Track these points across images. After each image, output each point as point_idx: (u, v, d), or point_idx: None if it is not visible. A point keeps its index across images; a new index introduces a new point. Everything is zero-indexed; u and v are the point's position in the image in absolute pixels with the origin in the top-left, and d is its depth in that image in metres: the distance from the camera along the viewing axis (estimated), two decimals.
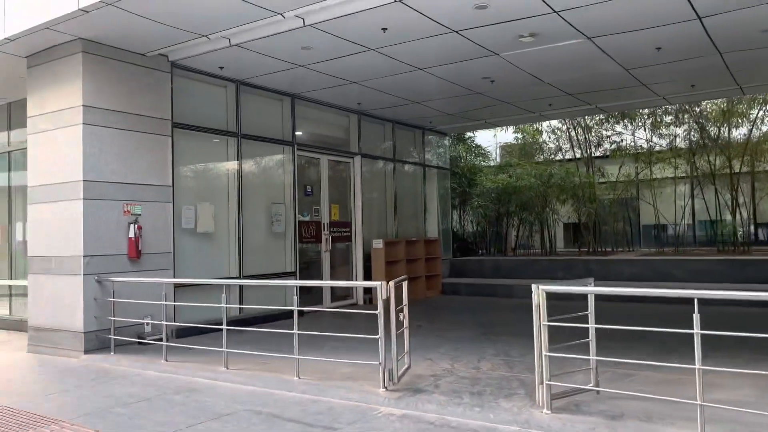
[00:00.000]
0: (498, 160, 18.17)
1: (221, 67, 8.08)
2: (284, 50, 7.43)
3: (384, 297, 4.74)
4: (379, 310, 4.76)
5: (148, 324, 7.16)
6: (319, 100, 10.05)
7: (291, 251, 9.57)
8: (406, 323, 5.21)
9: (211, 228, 8.31)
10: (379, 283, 4.74)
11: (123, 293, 6.87)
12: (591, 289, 4.46)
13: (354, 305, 10.81)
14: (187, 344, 6.90)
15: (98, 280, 6.81)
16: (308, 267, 10.35)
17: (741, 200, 13.61)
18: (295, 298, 5.25)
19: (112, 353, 6.63)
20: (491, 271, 12.94)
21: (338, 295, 10.74)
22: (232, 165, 8.74)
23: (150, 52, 7.36)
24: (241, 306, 8.45)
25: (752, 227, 14.69)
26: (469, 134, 16.46)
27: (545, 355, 4.13)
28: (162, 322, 6.26)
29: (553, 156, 16.18)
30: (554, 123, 15.83)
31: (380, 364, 4.74)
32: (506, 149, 18.03)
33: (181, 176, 7.96)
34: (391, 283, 4.77)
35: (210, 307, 6.73)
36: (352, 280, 10.99)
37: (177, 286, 7.50)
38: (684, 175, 15.17)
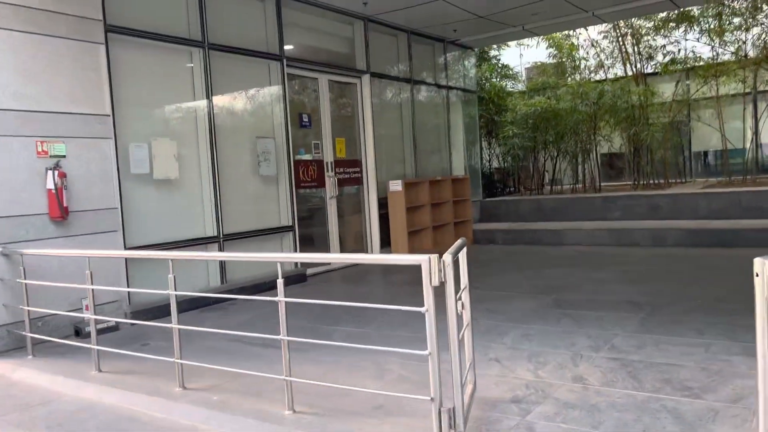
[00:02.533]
0: (524, 83, 15.70)
1: None
2: None
3: (436, 283, 2.61)
4: (428, 307, 2.64)
5: (87, 310, 5.13)
6: (313, 0, 7.67)
7: (286, 200, 7.43)
8: (467, 317, 3.11)
9: (174, 173, 6.15)
10: (426, 257, 2.60)
11: (45, 270, 4.82)
12: None
13: None
14: (142, 334, 4.93)
15: (4, 253, 4.73)
16: (311, 217, 8.25)
17: None
18: (280, 282, 3.14)
19: (30, 356, 4.62)
20: (530, 214, 10.77)
21: (348, 247, 8.68)
22: (199, 86, 6.49)
23: None
24: (206, 300, 6.38)
25: None
26: (493, 52, 13.98)
27: None
28: (90, 316, 4.18)
29: (593, 75, 13.72)
30: (593, 35, 13.32)
31: (433, 400, 2.66)
32: (536, 70, 15.48)
33: (124, 102, 5.74)
34: (447, 257, 2.62)
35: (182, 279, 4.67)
36: (365, 231, 8.90)
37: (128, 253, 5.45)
38: (749, 90, 12.77)
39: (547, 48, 13.83)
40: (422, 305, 2.63)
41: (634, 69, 12.71)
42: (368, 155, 8.86)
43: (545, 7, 8.66)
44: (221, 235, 6.52)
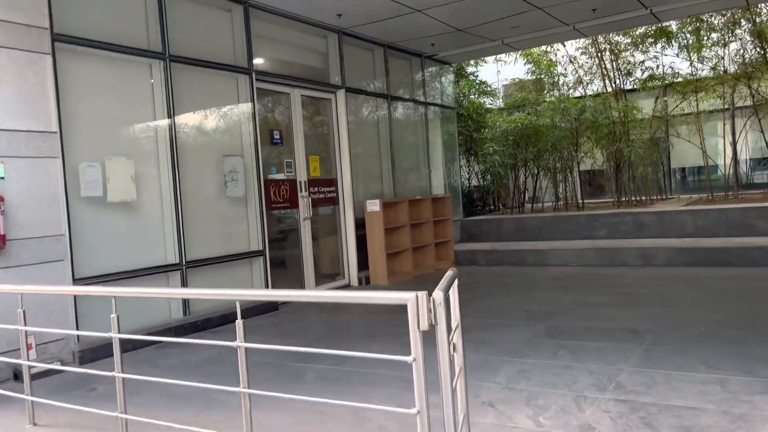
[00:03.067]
0: (502, 100, 15.50)
1: None
2: None
3: (425, 326, 2.16)
4: (415, 356, 2.18)
5: (30, 348, 4.56)
6: (285, 10, 7.27)
7: (256, 222, 6.93)
8: (459, 361, 2.67)
9: (131, 195, 5.63)
10: (413, 296, 2.15)
11: None
12: None
13: (347, 287, 8.29)
14: (90, 377, 4.38)
15: None
16: (283, 240, 7.76)
17: None
18: (240, 324, 2.66)
19: None
20: (513, 233, 10.42)
21: (324, 271, 8.20)
22: (160, 100, 6.00)
23: None
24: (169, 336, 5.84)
25: None
26: (471, 68, 13.73)
27: None
28: (23, 362, 3.63)
29: (571, 91, 13.55)
30: (571, 51, 13.18)
31: None
32: (514, 86, 15.29)
33: (74, 118, 5.23)
34: (438, 295, 2.18)
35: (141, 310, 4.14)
36: (341, 254, 8.43)
37: (77, 283, 4.91)
38: (728, 106, 12.69)
39: (525, 64, 13.65)
40: (407, 340, 2.17)
41: (614, 85, 12.56)
42: (344, 174, 8.43)
43: (525, 20, 8.38)
44: (184, 263, 5.99)
